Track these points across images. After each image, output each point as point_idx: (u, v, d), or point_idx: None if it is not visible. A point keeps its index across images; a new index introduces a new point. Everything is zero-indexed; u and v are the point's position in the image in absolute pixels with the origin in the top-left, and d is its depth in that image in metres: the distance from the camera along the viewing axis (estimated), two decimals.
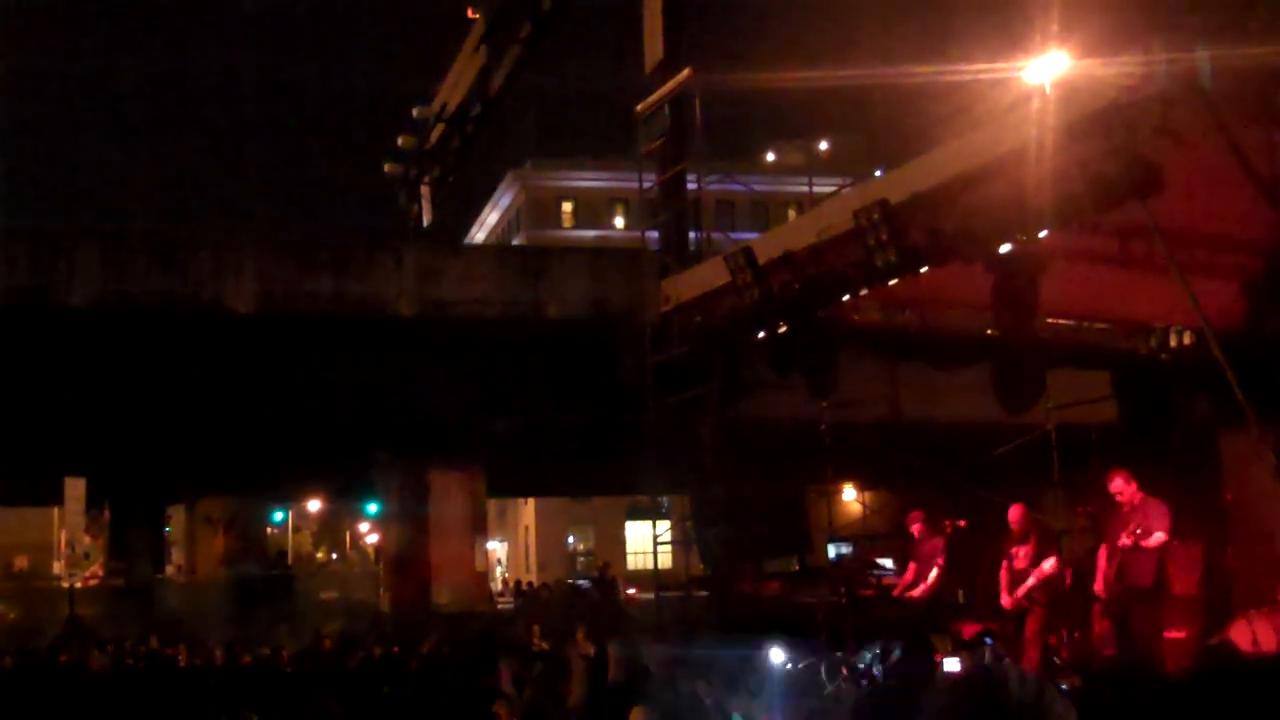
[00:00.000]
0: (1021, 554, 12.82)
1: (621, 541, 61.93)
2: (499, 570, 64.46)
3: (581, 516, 62.71)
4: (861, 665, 12.06)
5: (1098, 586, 11.88)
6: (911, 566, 14.44)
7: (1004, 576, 12.94)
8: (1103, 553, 11.89)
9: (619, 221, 65.46)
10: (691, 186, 19.00)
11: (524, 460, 29.97)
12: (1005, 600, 12.81)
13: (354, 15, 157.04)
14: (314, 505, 62.91)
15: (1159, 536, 11.31)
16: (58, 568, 43.91)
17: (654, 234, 19.57)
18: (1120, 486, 11.76)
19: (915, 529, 14.40)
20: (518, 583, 47.86)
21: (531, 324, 24.16)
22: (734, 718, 9.55)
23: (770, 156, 69.59)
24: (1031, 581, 12.58)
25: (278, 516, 60.50)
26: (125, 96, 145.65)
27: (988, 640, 12.38)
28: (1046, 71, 9.92)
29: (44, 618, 26.65)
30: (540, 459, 30.62)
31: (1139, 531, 11.32)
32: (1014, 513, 13.03)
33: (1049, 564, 12.56)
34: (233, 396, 23.84)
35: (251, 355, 23.52)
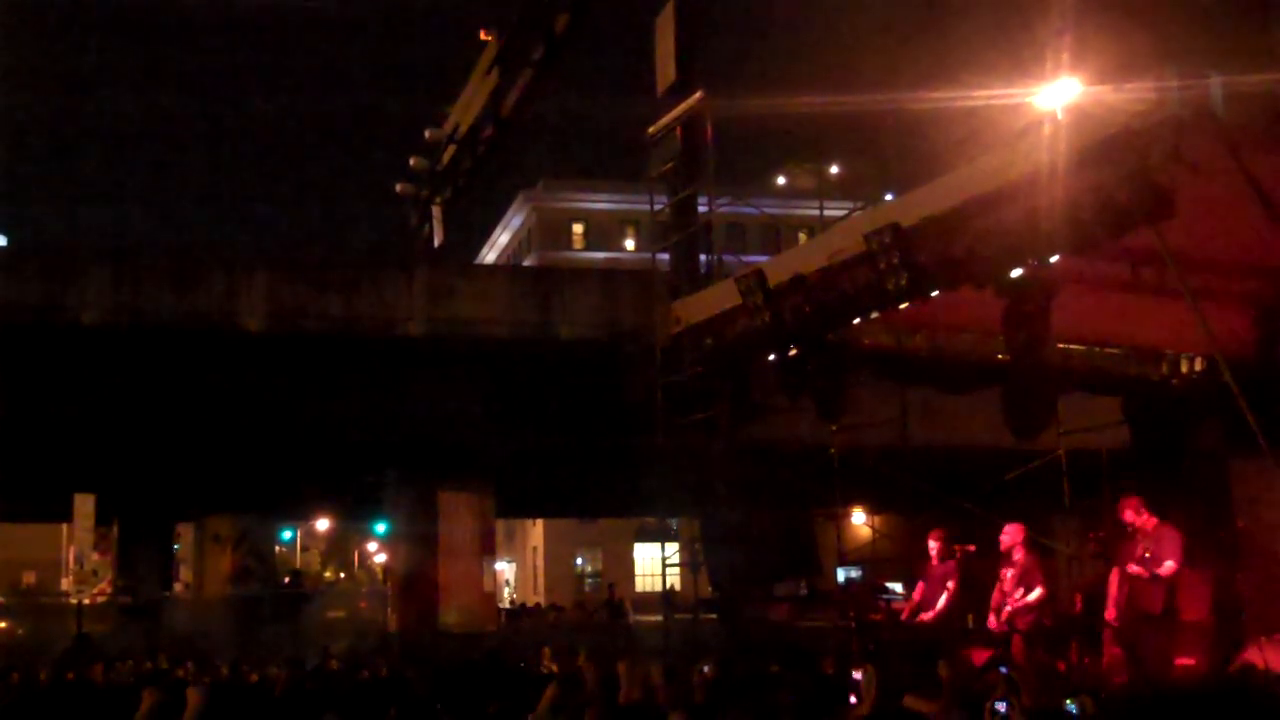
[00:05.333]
0: (1008, 576, 12.79)
1: (630, 563, 61.85)
2: (507, 591, 64.33)
3: (590, 538, 62.58)
4: None
5: (1109, 613, 11.85)
6: (920, 587, 14.31)
7: (995, 599, 12.92)
8: (1114, 579, 11.86)
9: (630, 243, 65.58)
10: (702, 209, 19.02)
11: (533, 481, 29.97)
12: (991, 622, 12.78)
13: (367, 36, 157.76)
14: (322, 524, 62.96)
15: (1170, 565, 11.31)
16: (66, 584, 43.97)
17: (665, 256, 19.57)
18: (1133, 516, 11.76)
19: (933, 548, 14.19)
20: (524, 605, 47.77)
21: (542, 345, 24.18)
22: None
23: (781, 180, 69.61)
24: (1009, 608, 12.54)
25: (286, 535, 60.61)
26: (138, 115, 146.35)
27: (1003, 669, 12.29)
28: (1058, 97, 9.93)
29: (51, 634, 26.62)
30: (549, 480, 30.61)
31: (1149, 557, 11.31)
32: (1004, 534, 12.95)
33: (1033, 593, 12.49)
34: (243, 415, 23.86)
35: (262, 374, 23.56)
